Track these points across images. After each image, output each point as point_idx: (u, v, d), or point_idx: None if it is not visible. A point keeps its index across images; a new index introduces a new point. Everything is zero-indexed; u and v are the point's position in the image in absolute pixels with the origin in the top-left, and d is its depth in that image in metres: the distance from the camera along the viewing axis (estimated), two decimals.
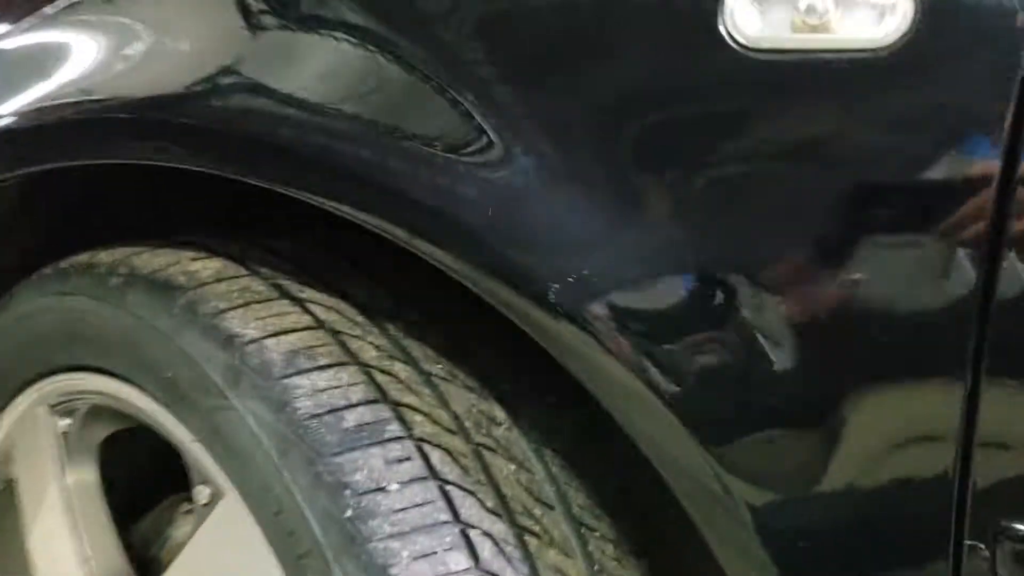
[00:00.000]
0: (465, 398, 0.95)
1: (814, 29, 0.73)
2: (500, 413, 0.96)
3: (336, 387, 0.89)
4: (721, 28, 0.74)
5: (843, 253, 0.74)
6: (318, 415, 0.87)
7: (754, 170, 0.76)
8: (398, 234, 0.85)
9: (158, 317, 0.95)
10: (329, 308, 0.96)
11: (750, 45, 0.74)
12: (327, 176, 0.88)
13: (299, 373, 0.89)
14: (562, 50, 0.81)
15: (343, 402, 0.88)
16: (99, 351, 1.01)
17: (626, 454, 0.99)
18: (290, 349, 0.90)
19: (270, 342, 0.90)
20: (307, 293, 0.97)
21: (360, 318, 0.96)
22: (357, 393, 0.89)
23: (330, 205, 0.88)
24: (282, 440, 0.87)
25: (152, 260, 0.99)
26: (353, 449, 0.86)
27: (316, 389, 0.88)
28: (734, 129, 0.77)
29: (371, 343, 0.94)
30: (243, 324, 0.92)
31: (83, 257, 1.04)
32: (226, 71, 0.94)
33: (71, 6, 1.04)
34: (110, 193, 1.18)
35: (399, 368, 0.93)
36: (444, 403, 0.93)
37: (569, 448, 0.97)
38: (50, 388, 1.08)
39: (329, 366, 0.90)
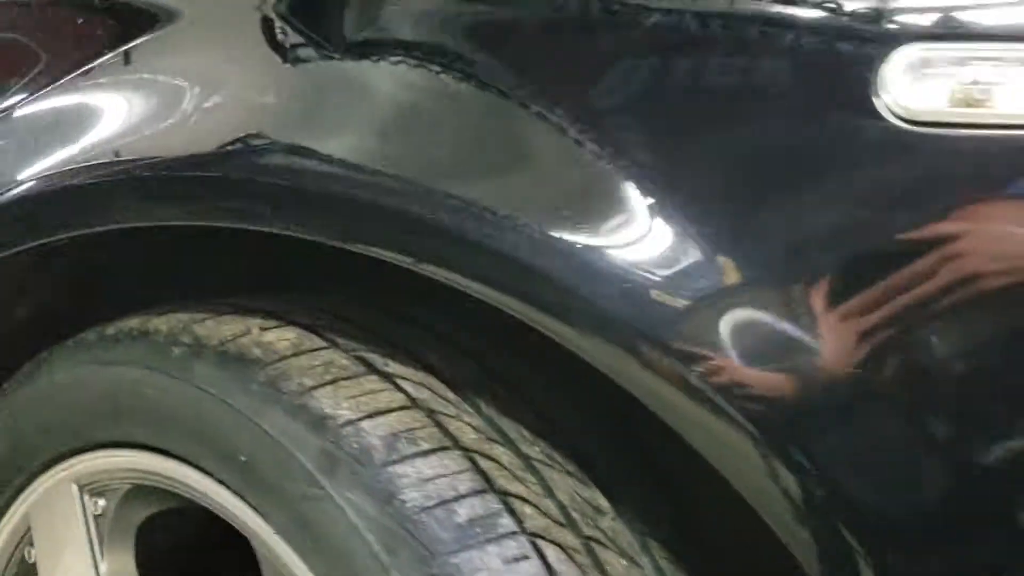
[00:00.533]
0: (568, 484, 0.87)
1: (976, 103, 0.70)
2: (603, 501, 0.88)
3: (443, 475, 0.80)
4: (875, 99, 0.70)
5: (992, 340, 0.71)
6: (428, 508, 0.78)
7: (911, 249, 0.71)
8: (525, 315, 0.77)
9: (233, 394, 0.85)
10: (419, 384, 0.87)
11: (906, 117, 0.70)
12: (433, 244, 0.80)
13: (403, 460, 0.80)
14: (711, 119, 0.76)
15: (452, 493, 0.80)
16: (152, 427, 0.91)
17: (726, 544, 0.93)
18: (389, 432, 0.81)
19: (367, 424, 0.82)
20: (392, 367, 0.88)
21: (451, 395, 0.88)
22: (464, 482, 0.81)
23: (434, 273, 0.81)
24: (390, 536, 0.78)
25: (219, 329, 0.89)
26: (469, 547, 0.77)
27: (423, 478, 0.80)
28: (888, 206, 0.72)
29: (468, 423, 0.86)
30: (335, 404, 0.83)
31: (133, 322, 0.94)
32: (291, 122, 0.87)
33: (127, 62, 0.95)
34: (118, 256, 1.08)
35: (499, 452, 0.85)
36: (550, 492, 0.85)
37: (671, 538, 0.90)
38: (85, 466, 0.97)
39: (432, 451, 0.82)
